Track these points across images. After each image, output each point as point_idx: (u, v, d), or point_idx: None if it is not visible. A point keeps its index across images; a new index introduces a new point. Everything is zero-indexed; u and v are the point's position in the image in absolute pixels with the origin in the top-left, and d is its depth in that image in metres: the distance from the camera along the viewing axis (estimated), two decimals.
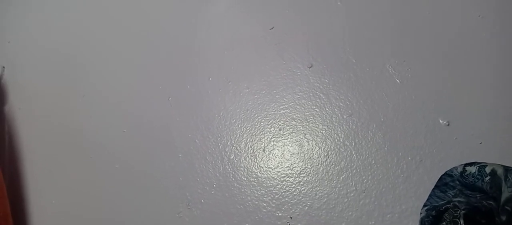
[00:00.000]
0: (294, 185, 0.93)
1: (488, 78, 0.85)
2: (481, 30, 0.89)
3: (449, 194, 0.71)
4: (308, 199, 0.90)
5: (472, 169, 0.69)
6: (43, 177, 1.24)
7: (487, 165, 0.68)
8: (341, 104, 0.95)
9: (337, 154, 0.91)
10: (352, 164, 0.89)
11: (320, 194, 0.89)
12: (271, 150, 0.98)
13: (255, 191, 0.96)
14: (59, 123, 1.30)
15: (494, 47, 0.87)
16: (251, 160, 0.99)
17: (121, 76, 1.27)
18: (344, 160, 0.90)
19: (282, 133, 0.99)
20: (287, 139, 0.98)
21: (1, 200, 1.10)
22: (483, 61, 0.87)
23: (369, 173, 0.87)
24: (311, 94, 0.99)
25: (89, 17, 1.43)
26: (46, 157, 1.26)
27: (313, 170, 0.92)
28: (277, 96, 1.03)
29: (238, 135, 1.03)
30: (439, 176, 0.78)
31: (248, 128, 1.03)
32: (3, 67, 1.50)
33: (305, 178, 0.92)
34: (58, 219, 1.17)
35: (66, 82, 1.35)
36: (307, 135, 0.96)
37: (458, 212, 0.62)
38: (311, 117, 0.97)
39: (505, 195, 0.62)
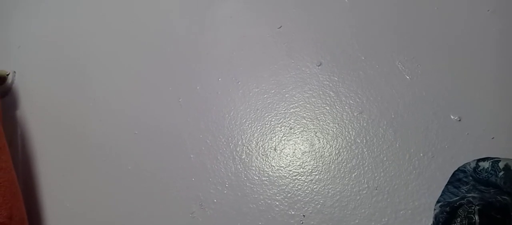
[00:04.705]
0: (306, 183, 0.93)
1: (499, 72, 0.85)
2: (491, 24, 0.89)
3: (462, 190, 0.71)
4: (320, 197, 0.90)
5: (485, 164, 0.69)
6: (56, 181, 1.25)
7: (500, 160, 0.68)
8: (351, 101, 0.96)
9: (349, 151, 0.92)
10: (364, 162, 0.89)
11: (332, 192, 0.90)
12: (282, 149, 0.99)
13: (267, 190, 0.96)
14: (70, 126, 1.32)
15: (505, 41, 0.87)
16: (263, 159, 1.00)
17: (131, 78, 1.28)
18: (356, 157, 0.91)
19: (292, 132, 0.99)
20: (298, 137, 0.98)
21: (17, 204, 1.11)
22: (493, 55, 0.87)
23: (381, 170, 0.87)
24: (320, 92, 0.99)
25: (98, 21, 1.44)
26: (59, 161, 1.28)
27: (324, 168, 0.92)
28: (286, 95, 1.03)
29: (249, 135, 1.04)
30: (452, 172, 0.78)
31: (258, 127, 1.04)
32: (14, 72, 1.52)
33: (317, 176, 0.93)
34: (73, 222, 1.19)
35: (76, 86, 1.37)
36: (318, 134, 0.96)
37: (473, 207, 0.62)
38: (322, 115, 0.97)
39: None
